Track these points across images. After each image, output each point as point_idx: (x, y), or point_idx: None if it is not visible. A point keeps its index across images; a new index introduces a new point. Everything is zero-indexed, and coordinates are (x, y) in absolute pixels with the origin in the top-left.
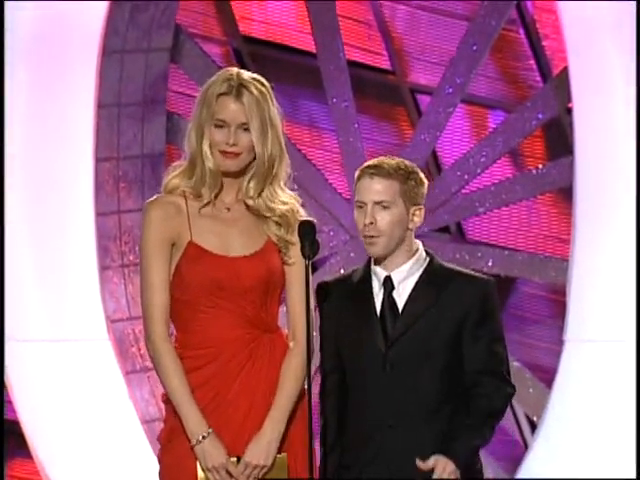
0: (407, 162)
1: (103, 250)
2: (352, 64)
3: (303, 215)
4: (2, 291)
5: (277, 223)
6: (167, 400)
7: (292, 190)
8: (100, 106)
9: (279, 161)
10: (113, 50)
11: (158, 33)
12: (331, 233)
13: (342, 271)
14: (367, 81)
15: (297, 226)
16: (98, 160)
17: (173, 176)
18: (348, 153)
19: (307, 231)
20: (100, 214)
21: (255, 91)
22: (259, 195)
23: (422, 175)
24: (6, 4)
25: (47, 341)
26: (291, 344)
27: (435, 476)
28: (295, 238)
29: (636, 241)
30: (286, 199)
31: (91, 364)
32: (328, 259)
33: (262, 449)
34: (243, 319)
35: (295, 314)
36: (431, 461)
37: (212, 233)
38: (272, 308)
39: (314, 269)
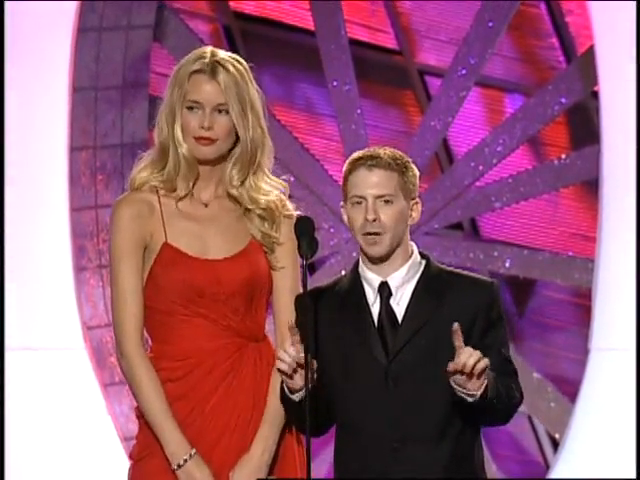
0: (399, 151)
1: (79, 249)
2: (354, 43)
3: (290, 209)
4: (2, 296)
5: (261, 217)
6: (140, 414)
7: (280, 178)
8: (75, 90)
9: (262, 147)
10: (89, 28)
11: (139, 9)
12: (331, 230)
13: (343, 272)
14: (371, 62)
15: (280, 221)
16: (73, 149)
17: (140, 169)
18: (350, 141)
19: (305, 228)
20: (75, 209)
21: (232, 69)
22: (242, 184)
23: (414, 166)
24: (6, 4)
25: (16, 349)
26: None
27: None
28: (281, 236)
29: (636, 240)
30: (270, 189)
31: (65, 375)
32: (328, 259)
33: (251, 474)
34: (225, 328)
35: (283, 325)
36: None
37: (189, 233)
38: (258, 314)
39: (313, 270)
